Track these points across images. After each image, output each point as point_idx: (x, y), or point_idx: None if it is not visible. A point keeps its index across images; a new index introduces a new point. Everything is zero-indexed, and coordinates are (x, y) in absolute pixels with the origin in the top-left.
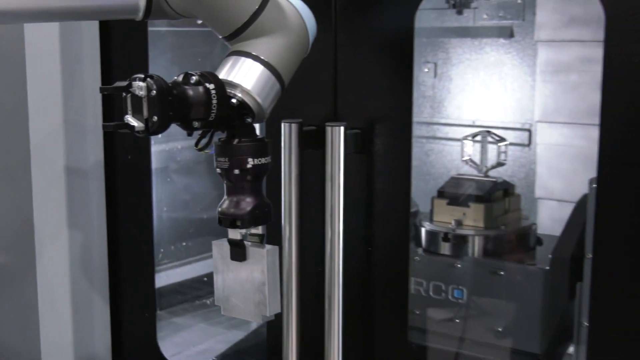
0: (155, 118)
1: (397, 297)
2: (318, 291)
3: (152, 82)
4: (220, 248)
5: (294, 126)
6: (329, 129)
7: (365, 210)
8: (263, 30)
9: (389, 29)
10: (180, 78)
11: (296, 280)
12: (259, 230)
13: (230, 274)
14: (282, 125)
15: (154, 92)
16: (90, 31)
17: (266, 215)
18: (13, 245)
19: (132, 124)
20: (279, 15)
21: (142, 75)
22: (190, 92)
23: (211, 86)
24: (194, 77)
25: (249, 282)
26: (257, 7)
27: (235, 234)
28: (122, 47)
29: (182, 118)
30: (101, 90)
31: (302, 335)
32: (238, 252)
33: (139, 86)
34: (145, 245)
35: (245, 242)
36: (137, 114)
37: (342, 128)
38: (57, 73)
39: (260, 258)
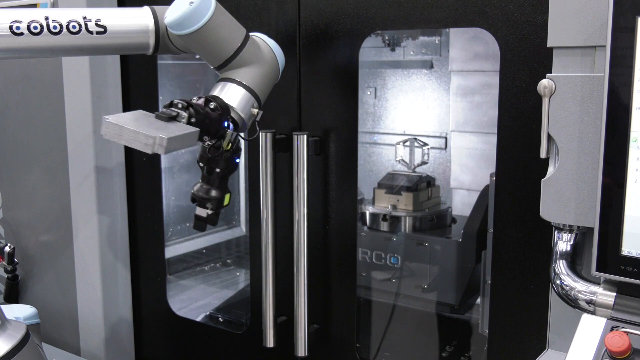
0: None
1: (348, 264)
2: (288, 259)
3: (192, 111)
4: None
5: (269, 135)
6: (295, 136)
7: (323, 198)
8: (244, 62)
9: (340, 61)
10: (202, 102)
11: (272, 252)
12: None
13: None
14: (260, 134)
15: (193, 119)
16: (113, 63)
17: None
18: (55, 227)
19: None
20: (256, 51)
21: (185, 104)
22: (212, 115)
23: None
24: (212, 104)
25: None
26: (239, 44)
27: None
28: (138, 75)
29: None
30: (157, 116)
31: (277, 293)
32: (200, 224)
33: (183, 116)
34: (157, 226)
35: None
36: None
37: (305, 136)
38: (88, 95)
39: None
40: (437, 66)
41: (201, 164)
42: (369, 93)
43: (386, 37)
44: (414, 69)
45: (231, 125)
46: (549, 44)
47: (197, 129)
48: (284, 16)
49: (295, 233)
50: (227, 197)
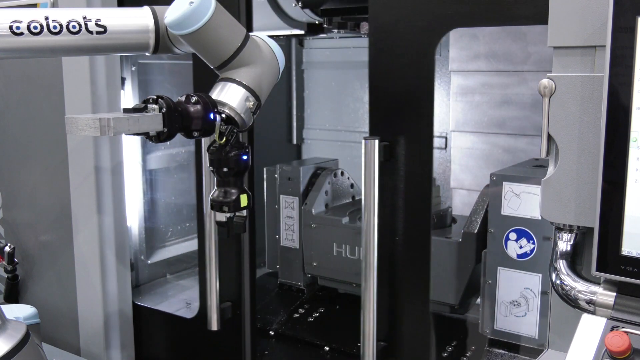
0: (165, 129)
1: (421, 278)
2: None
3: (162, 102)
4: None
5: (375, 142)
6: (366, 142)
7: (392, 207)
8: (244, 62)
9: (413, 60)
10: (183, 98)
11: (215, 248)
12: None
13: None
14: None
15: (164, 109)
16: (114, 63)
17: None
18: (55, 227)
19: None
20: (256, 51)
21: (155, 97)
22: (191, 109)
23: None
24: (193, 98)
25: None
26: (239, 44)
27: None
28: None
29: (185, 129)
30: (124, 110)
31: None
32: (222, 230)
33: (153, 107)
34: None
35: None
36: None
37: (377, 141)
38: (88, 95)
39: None
40: (437, 66)
41: (211, 168)
42: None
43: None
44: None
45: (218, 118)
46: (549, 44)
47: (158, 114)
48: None
49: (364, 244)
50: (243, 197)
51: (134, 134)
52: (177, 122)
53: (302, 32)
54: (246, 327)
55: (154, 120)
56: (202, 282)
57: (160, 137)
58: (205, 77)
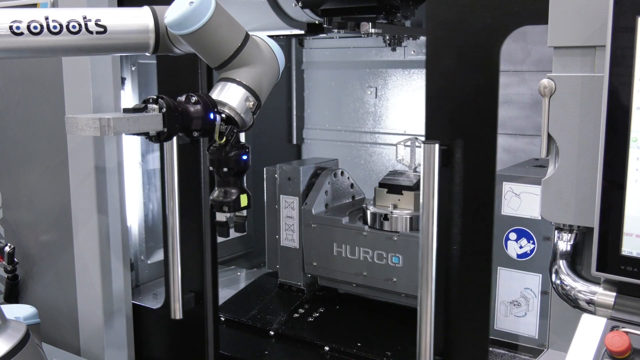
0: (165, 129)
1: (481, 291)
2: None
3: (162, 102)
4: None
5: (435, 147)
6: (424, 146)
7: (448, 215)
8: (244, 62)
9: (475, 60)
10: (183, 98)
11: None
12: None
13: None
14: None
15: (164, 109)
16: (113, 63)
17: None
18: (55, 227)
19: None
20: (256, 51)
21: (155, 97)
22: (191, 109)
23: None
24: (193, 98)
25: None
26: (239, 44)
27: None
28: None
29: (185, 129)
30: (124, 110)
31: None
32: (222, 230)
33: (153, 107)
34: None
35: None
36: None
37: (437, 146)
38: (88, 95)
39: None
40: None
41: (211, 168)
42: (369, 93)
43: (387, 37)
44: (415, 68)
45: (218, 118)
46: (549, 44)
47: (158, 113)
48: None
49: (421, 254)
50: (243, 197)
51: (134, 134)
52: (177, 122)
53: (302, 32)
54: (208, 316)
55: (154, 120)
56: (166, 274)
57: (160, 137)
58: (169, 80)
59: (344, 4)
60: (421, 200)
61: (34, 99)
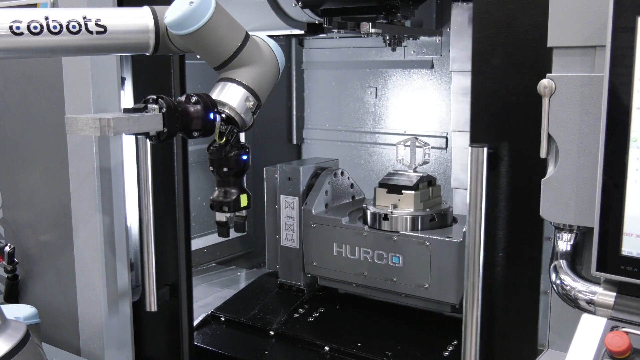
0: (165, 129)
1: (529, 304)
2: None
3: (162, 102)
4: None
5: (482, 151)
6: (472, 149)
7: (493, 221)
8: (244, 62)
9: (525, 60)
10: (183, 98)
11: (152, 235)
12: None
13: None
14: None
15: (164, 109)
16: (113, 63)
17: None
18: (55, 227)
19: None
20: (256, 51)
21: (155, 97)
22: (191, 109)
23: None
24: (193, 98)
25: None
26: (239, 44)
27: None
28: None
29: (185, 129)
30: (124, 110)
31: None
32: (222, 230)
33: (153, 107)
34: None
35: None
36: None
37: (485, 149)
38: (88, 95)
39: None
40: (438, 66)
41: (211, 168)
42: (369, 92)
43: (387, 37)
44: (415, 68)
45: (218, 118)
46: (549, 44)
47: (158, 113)
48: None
49: (467, 262)
50: (243, 197)
51: (134, 134)
52: (177, 122)
53: (302, 32)
54: (183, 308)
55: (154, 120)
56: (142, 269)
57: (160, 137)
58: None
59: (344, 4)
60: (468, 207)
61: (34, 99)
